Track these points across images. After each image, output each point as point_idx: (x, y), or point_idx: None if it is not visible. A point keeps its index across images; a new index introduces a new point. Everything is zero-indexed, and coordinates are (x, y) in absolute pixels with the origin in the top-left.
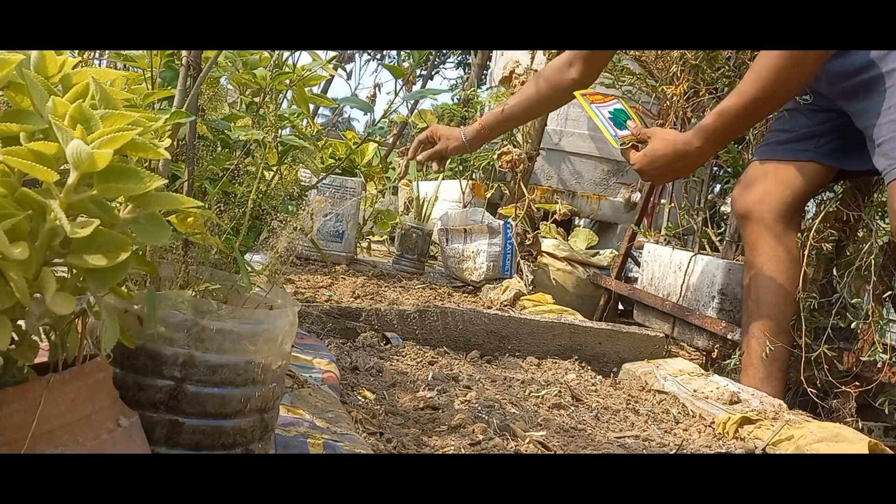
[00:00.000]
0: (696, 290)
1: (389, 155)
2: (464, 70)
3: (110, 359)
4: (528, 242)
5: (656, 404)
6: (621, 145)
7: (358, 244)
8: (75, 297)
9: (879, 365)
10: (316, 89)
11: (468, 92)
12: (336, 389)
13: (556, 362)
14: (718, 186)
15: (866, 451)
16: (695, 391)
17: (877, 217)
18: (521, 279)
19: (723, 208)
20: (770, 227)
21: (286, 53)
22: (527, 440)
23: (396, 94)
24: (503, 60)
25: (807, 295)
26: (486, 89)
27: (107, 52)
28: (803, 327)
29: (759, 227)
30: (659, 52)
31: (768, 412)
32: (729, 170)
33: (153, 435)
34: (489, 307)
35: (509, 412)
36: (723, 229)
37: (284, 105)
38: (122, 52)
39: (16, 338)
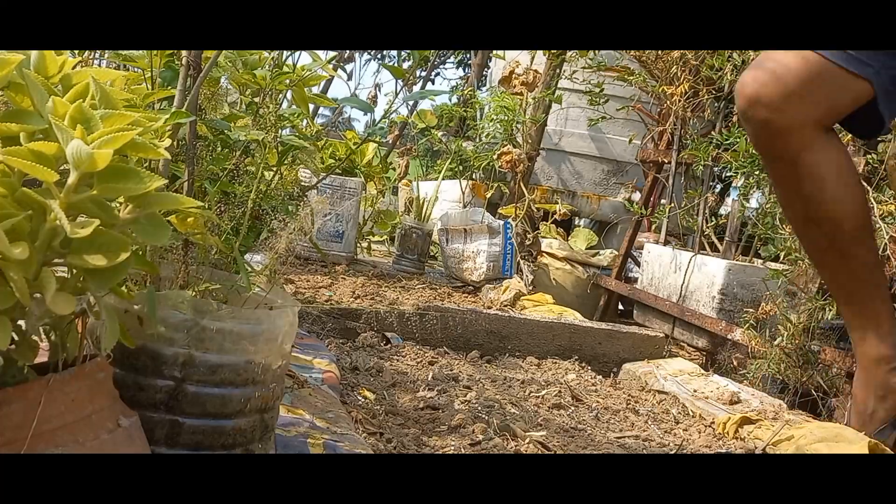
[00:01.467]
0: (697, 290)
1: (389, 155)
2: (464, 70)
3: (110, 359)
4: (528, 242)
5: (656, 404)
6: None
7: (358, 244)
8: (75, 297)
9: None
10: (316, 89)
11: (467, 92)
12: (336, 389)
13: (556, 362)
14: (720, 186)
15: (866, 451)
16: (695, 391)
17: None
18: (521, 279)
19: (722, 209)
20: (819, 131)
21: (286, 53)
22: (527, 440)
23: (397, 95)
24: (502, 63)
25: (806, 295)
26: (486, 90)
27: (107, 52)
28: (801, 326)
29: (806, 129)
30: (659, 52)
31: (768, 412)
32: (731, 173)
33: (153, 435)
34: (489, 307)
35: (509, 412)
36: (713, 223)
37: (284, 105)
38: (122, 52)
39: (16, 338)
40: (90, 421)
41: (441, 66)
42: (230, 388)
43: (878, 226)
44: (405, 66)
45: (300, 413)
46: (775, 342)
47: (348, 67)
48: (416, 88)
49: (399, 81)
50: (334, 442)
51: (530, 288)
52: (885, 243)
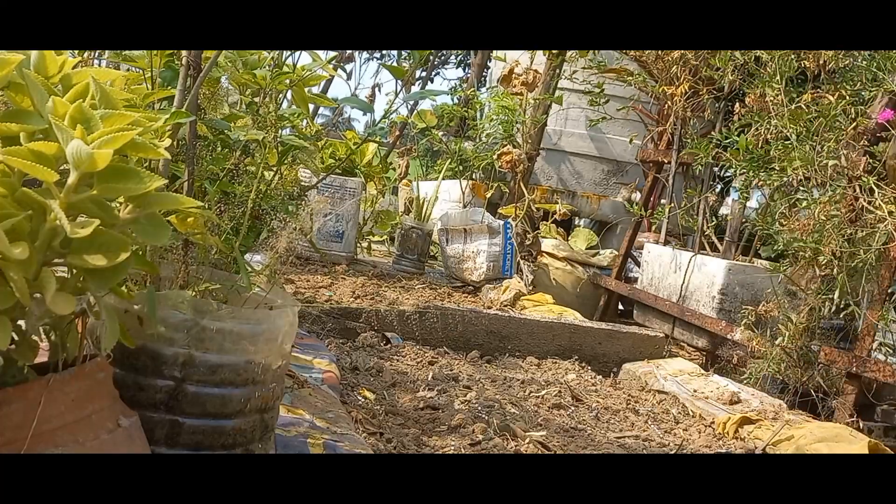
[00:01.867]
0: (697, 290)
1: (389, 155)
2: (464, 70)
3: (110, 359)
4: (528, 242)
5: (656, 404)
6: None
7: (358, 244)
8: (75, 297)
9: (879, 364)
10: (316, 89)
11: (468, 92)
12: (336, 389)
13: (556, 362)
14: (720, 186)
15: (866, 451)
16: (695, 391)
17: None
18: (521, 279)
19: (723, 210)
20: None
21: (286, 53)
22: (527, 440)
23: (396, 95)
24: (502, 64)
25: (808, 293)
26: (486, 90)
27: (107, 52)
28: (802, 326)
29: None
30: (659, 52)
31: (768, 412)
32: (731, 171)
33: (153, 435)
34: (489, 307)
35: (509, 412)
36: (713, 223)
37: (284, 105)
38: (122, 52)
39: (16, 338)
40: (90, 421)
41: (441, 67)
42: (230, 388)
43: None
44: (405, 66)
45: (300, 413)
46: (776, 342)
47: (348, 67)
48: (416, 89)
49: (399, 81)
50: (334, 442)
51: (530, 288)
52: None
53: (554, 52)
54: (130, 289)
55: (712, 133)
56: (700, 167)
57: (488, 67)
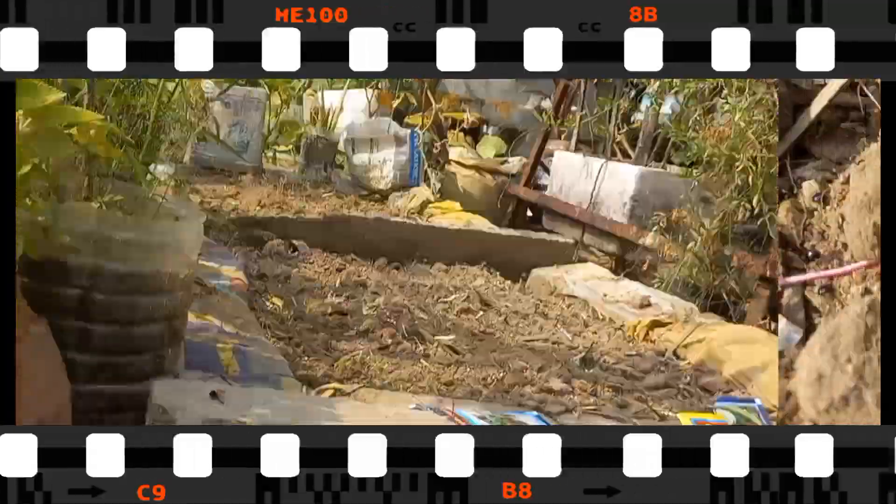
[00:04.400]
0: (608, 197)
1: None
2: None
3: (18, 269)
4: (435, 151)
5: (565, 308)
6: None
7: (264, 154)
8: None
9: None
10: None
11: None
12: (244, 296)
13: (464, 268)
14: (634, 92)
15: (777, 352)
16: (605, 295)
17: None
18: (429, 187)
19: (636, 115)
20: None
21: None
22: (435, 344)
23: None
24: None
25: (722, 199)
26: None
27: None
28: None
29: None
30: None
31: (679, 316)
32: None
33: (64, 341)
34: (396, 215)
35: (418, 317)
36: (625, 130)
37: None
38: None
39: None
40: None
41: None
42: (138, 297)
43: None
44: None
45: (209, 319)
46: (688, 247)
47: None
48: None
49: None
50: (244, 347)
51: (438, 196)
52: None
53: None
54: (35, 201)
55: None
56: None
57: None
